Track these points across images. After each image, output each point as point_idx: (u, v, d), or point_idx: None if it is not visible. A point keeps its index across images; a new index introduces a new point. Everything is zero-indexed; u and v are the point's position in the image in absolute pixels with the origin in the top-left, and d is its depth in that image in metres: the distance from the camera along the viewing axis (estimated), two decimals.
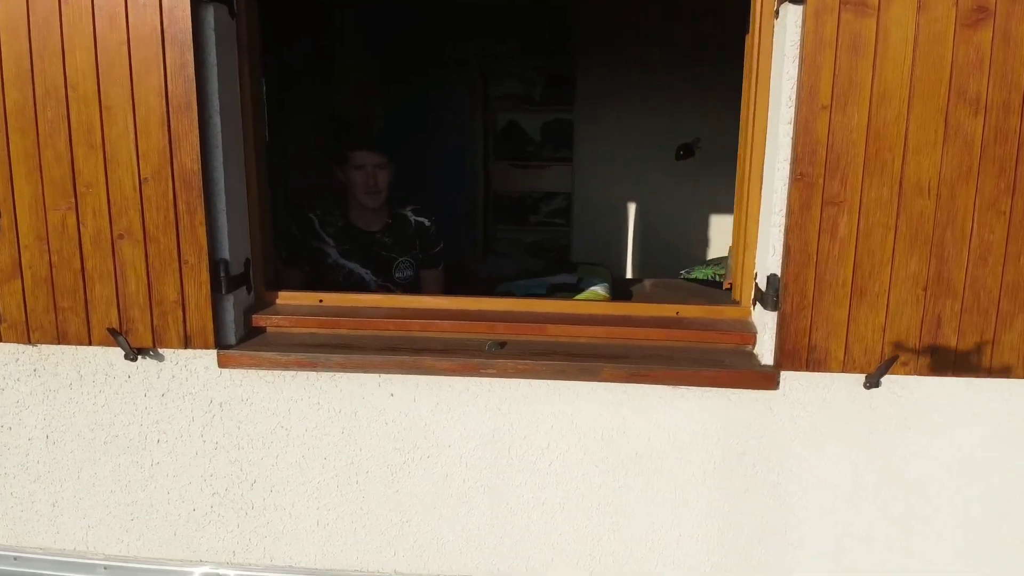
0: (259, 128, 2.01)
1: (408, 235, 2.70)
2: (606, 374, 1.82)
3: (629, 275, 5.51)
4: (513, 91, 5.53)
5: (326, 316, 1.98)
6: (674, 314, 2.00)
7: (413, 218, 2.72)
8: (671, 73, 5.21)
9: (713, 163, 5.14)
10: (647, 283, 4.66)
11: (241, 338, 1.96)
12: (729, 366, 1.84)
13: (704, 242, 5.44)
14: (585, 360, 1.84)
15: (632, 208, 5.48)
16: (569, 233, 5.64)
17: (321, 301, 2.03)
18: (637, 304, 1.99)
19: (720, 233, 5.39)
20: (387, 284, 2.67)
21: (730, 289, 2.17)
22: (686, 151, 4.64)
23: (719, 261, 4.57)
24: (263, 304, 2.05)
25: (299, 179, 5.62)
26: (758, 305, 1.90)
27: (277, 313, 2.01)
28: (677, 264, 5.54)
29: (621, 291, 4.42)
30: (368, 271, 2.64)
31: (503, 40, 5.44)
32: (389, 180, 2.60)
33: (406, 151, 5.66)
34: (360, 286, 2.65)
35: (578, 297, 3.73)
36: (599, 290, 3.90)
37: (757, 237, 1.92)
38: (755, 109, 1.91)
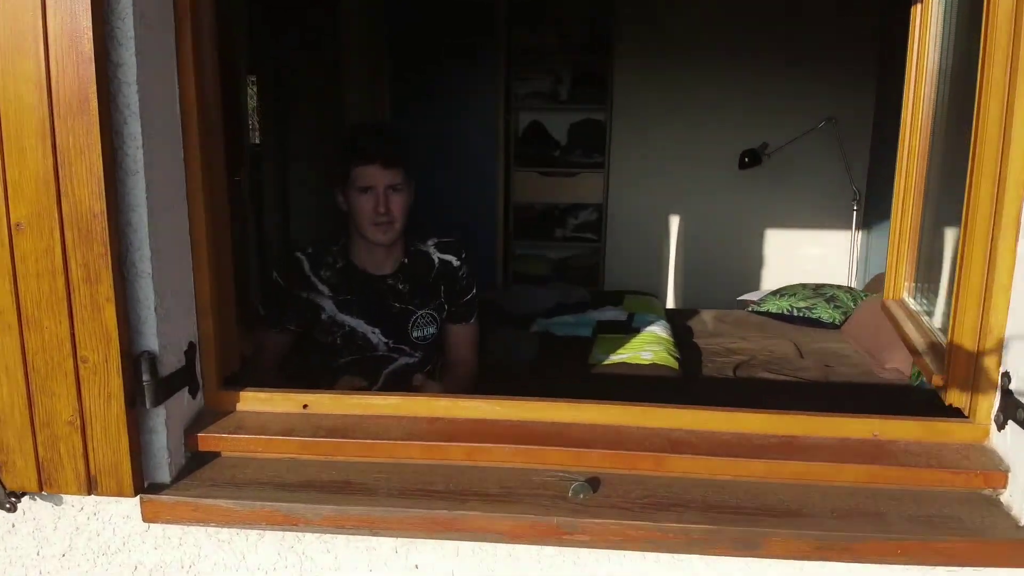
0: (212, 139, 1.29)
1: (430, 280, 1.99)
2: (774, 546, 1.11)
3: (672, 301, 4.79)
4: (538, 87, 4.81)
5: (314, 433, 1.27)
6: (871, 435, 1.28)
7: (437, 256, 2.01)
8: (726, 69, 4.50)
9: (774, 173, 4.43)
10: (707, 317, 3.94)
11: (180, 471, 1.25)
12: (969, 529, 1.13)
13: (759, 262, 4.72)
14: (736, 518, 1.13)
15: (675, 222, 4.77)
16: (601, 250, 4.93)
17: (306, 407, 1.32)
18: (808, 417, 1.28)
19: (780, 253, 4.67)
20: (401, 346, 1.96)
21: (936, 391, 1.45)
22: (752, 158, 3.93)
23: (793, 291, 3.86)
24: (217, 412, 1.33)
25: (301, 209, 4.91)
26: (1010, 425, 1.18)
27: (239, 428, 1.29)
28: (730, 290, 4.83)
29: (679, 329, 3.71)
30: (377, 330, 1.94)
31: (535, 28, 4.73)
32: (407, 206, 1.89)
33: (414, 156, 4.97)
34: (364, 349, 1.94)
35: (636, 342, 3.01)
36: (658, 331, 3.19)
37: (1007, 313, 1.20)
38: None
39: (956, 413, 1.34)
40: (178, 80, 1.23)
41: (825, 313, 3.50)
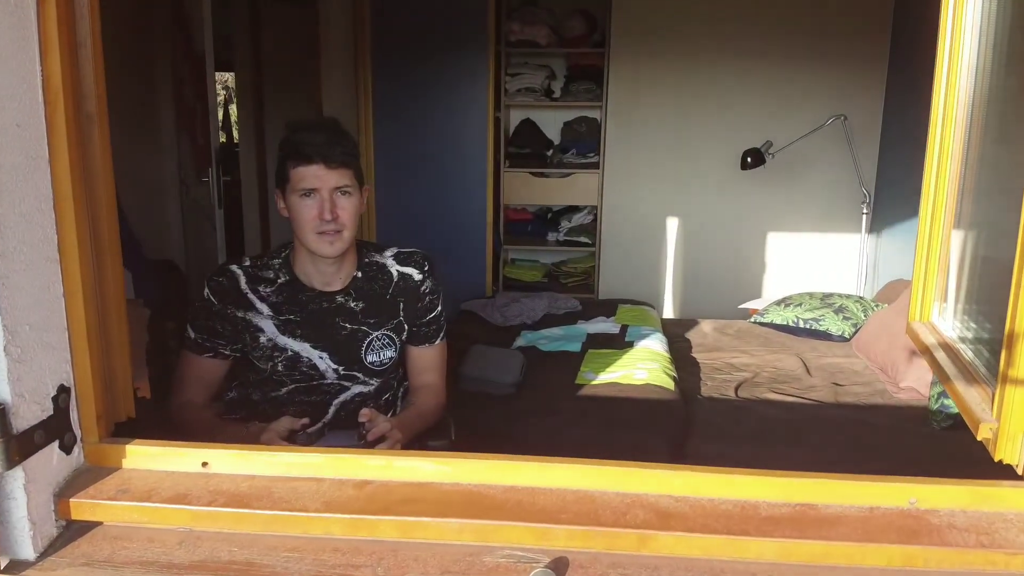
0: (91, 132, 1.05)
1: (388, 296, 1.75)
2: None
3: (670, 309, 4.54)
4: (529, 83, 4.56)
5: (211, 501, 1.02)
6: (907, 503, 1.03)
7: (396, 269, 1.77)
8: (728, 65, 4.25)
9: (778, 173, 4.18)
10: (707, 327, 3.68)
11: (50, 545, 1.01)
12: None
13: (762, 267, 4.47)
14: None
15: (673, 225, 4.51)
16: (595, 255, 4.68)
17: (206, 465, 1.07)
18: (828, 481, 1.03)
19: (784, 259, 4.42)
20: (354, 373, 1.72)
21: (983, 442, 1.20)
22: (755, 158, 3.67)
23: (799, 300, 3.60)
24: (100, 470, 1.08)
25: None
26: None
27: (123, 492, 1.04)
28: (731, 297, 4.57)
29: (677, 341, 3.46)
30: (324, 355, 1.69)
31: (526, 20, 4.48)
32: (358, 211, 1.64)
33: (395, 155, 4.73)
34: (310, 377, 1.69)
35: (629, 359, 2.77)
36: (654, 346, 2.94)
37: None
38: None
39: (1008, 472, 1.10)
40: (41, 62, 0.98)
41: (834, 325, 3.25)
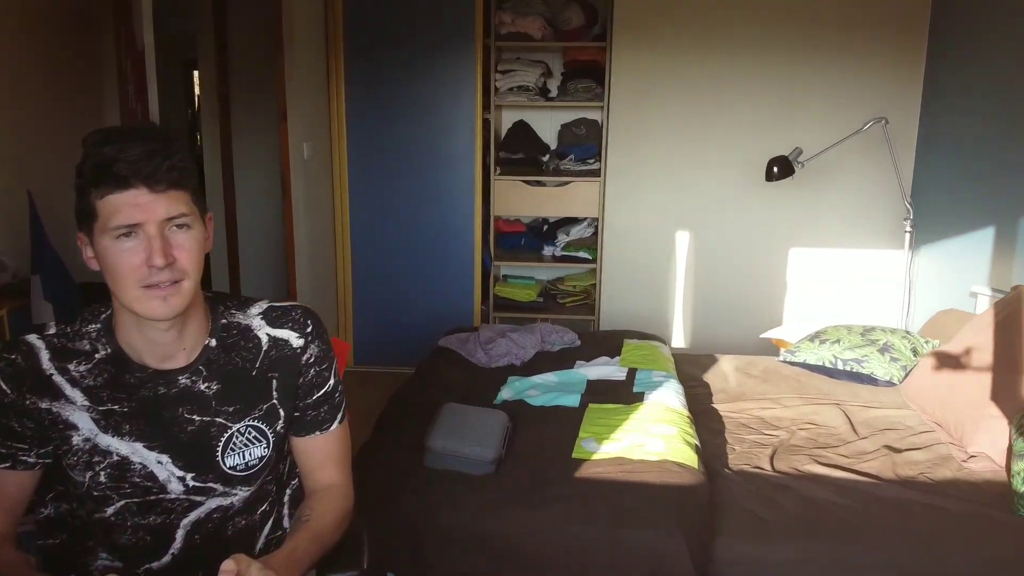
0: None
1: (255, 372, 1.24)
2: None
3: (681, 339, 4.04)
4: (523, 80, 4.06)
5: None
6: None
7: (266, 332, 1.26)
8: (747, 60, 3.75)
9: (802, 183, 3.68)
10: (727, 366, 3.12)
11: None
12: None
13: (783, 288, 3.97)
14: None
15: (684, 241, 4.02)
16: (597, 272, 4.19)
17: None
18: None
19: (809, 280, 3.92)
20: (209, 484, 1.20)
21: None
22: (782, 168, 3.17)
23: (836, 335, 3.05)
24: None
25: (250, 219, 4.22)
26: None
27: None
28: (750, 323, 4.04)
29: (694, 385, 2.94)
30: (165, 458, 1.17)
31: (520, 10, 3.97)
32: (202, 248, 1.14)
33: (371, 162, 4.21)
34: (146, 490, 1.17)
35: (640, 419, 2.25)
36: (670, 400, 2.42)
37: None
38: None
39: None
40: None
41: (879, 368, 2.75)
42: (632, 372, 2.60)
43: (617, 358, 2.76)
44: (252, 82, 4.66)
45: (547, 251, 4.41)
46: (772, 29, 3.73)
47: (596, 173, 4.12)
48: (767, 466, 2.16)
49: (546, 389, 2.46)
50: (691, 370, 2.94)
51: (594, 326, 4.23)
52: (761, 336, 3.56)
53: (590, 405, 2.36)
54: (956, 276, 3.24)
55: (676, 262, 4.06)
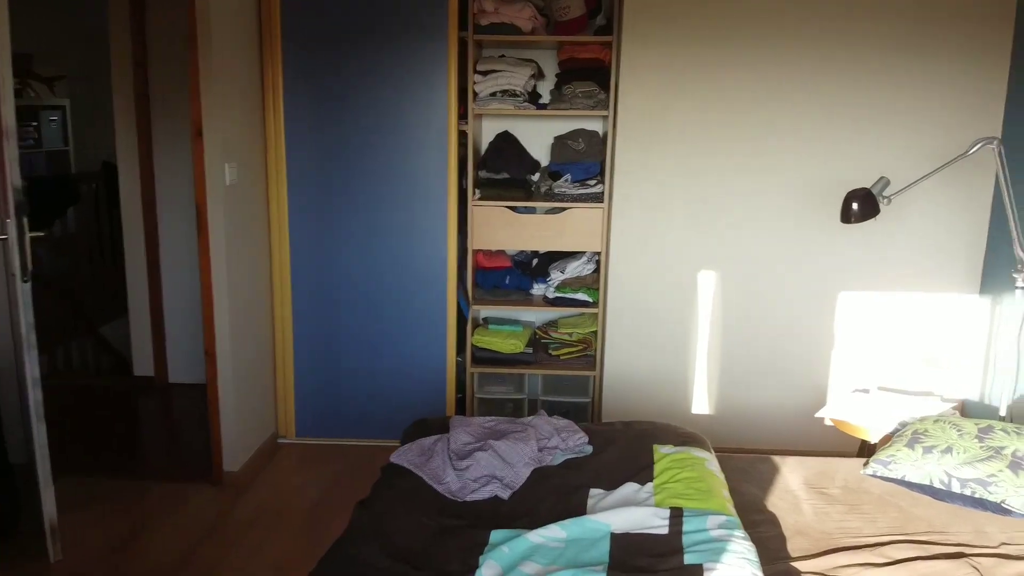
0: None
1: None
2: None
3: (704, 405, 3.26)
4: (508, 84, 3.25)
5: None
6: None
7: None
8: (790, 61, 2.98)
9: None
10: (794, 483, 2.18)
11: None
12: None
13: (828, 341, 3.20)
14: None
15: (708, 282, 3.24)
16: (599, 318, 3.40)
17: None
18: None
19: (866, 336, 3.15)
20: None
21: None
22: (864, 205, 2.39)
23: (944, 437, 2.21)
24: None
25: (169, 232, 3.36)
26: None
27: None
28: (793, 390, 3.17)
29: (753, 514, 2.11)
30: None
31: (511, 1, 3.17)
32: None
33: (316, 186, 3.31)
34: None
35: None
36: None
37: None
38: None
39: None
40: None
41: (1014, 494, 1.98)
42: (677, 516, 1.80)
43: (649, 485, 1.96)
44: (177, 87, 3.85)
45: (537, 290, 3.62)
46: (823, 17, 2.96)
47: (599, 198, 3.33)
48: None
49: (551, 557, 1.65)
50: (744, 487, 2.15)
51: (595, 384, 3.45)
52: (816, 415, 2.79)
53: None
54: None
55: (698, 308, 3.28)
